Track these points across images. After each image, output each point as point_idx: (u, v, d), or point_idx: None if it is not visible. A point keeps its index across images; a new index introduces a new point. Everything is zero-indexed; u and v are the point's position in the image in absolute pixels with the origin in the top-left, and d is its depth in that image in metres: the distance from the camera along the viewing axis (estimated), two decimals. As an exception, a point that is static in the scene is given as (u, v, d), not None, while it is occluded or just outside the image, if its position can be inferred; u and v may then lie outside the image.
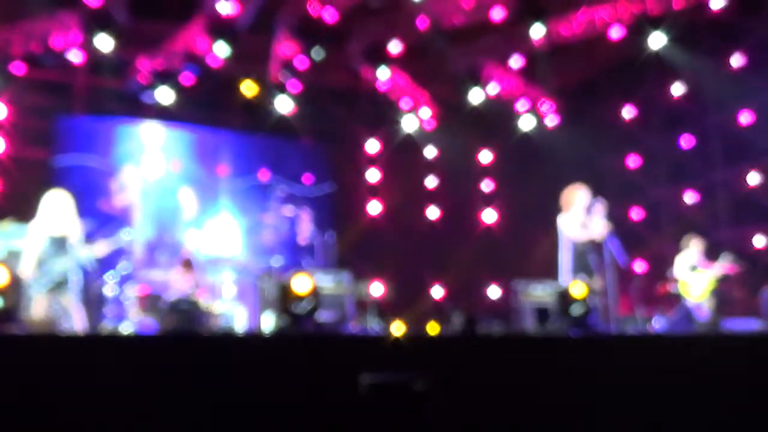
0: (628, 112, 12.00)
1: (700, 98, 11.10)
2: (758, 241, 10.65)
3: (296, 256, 9.08)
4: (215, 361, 4.29)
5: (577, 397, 4.79)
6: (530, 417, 4.64)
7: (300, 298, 5.65)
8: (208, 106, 10.66)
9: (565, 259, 7.78)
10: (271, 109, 10.33)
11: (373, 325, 8.51)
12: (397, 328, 8.47)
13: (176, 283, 7.83)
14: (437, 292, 11.98)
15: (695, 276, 9.28)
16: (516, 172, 12.40)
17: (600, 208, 7.88)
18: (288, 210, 9.51)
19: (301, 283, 5.69)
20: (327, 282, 7.77)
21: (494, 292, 12.11)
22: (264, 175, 11.05)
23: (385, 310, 9.40)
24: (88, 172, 9.81)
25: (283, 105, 10.33)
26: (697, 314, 9.17)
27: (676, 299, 9.51)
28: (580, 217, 7.85)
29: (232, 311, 8.54)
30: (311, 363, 4.42)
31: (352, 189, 11.97)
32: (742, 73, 10.42)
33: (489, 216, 12.64)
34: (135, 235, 8.59)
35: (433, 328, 8.54)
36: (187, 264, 8.01)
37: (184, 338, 4.88)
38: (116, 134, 10.31)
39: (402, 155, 12.01)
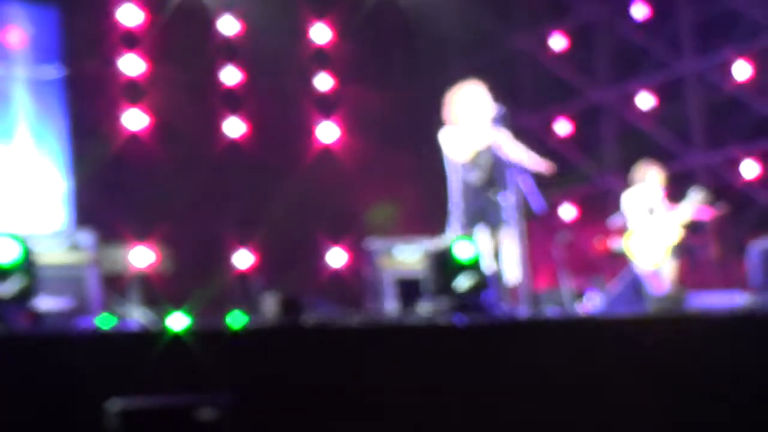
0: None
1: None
2: (747, 168, 11.20)
3: None
4: None
5: (462, 417, 4.97)
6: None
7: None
8: None
9: (457, 199, 7.93)
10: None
11: (134, 316, 8.51)
12: (176, 321, 8.48)
13: None
14: (242, 259, 12.04)
15: (651, 225, 9.75)
16: (372, 59, 12.51)
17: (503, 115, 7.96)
18: None
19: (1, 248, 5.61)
20: (52, 246, 7.68)
21: (336, 257, 12.29)
22: None
23: (156, 291, 9.39)
24: None
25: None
26: (652, 285, 9.64)
27: (620, 262, 9.97)
28: (480, 128, 7.88)
29: None
30: (23, 381, 4.38)
31: (96, 87, 11.73)
32: None
33: (327, 132, 12.73)
34: None
35: (235, 319, 8.60)
36: None
37: None
38: None
39: (181, 30, 11.87)
